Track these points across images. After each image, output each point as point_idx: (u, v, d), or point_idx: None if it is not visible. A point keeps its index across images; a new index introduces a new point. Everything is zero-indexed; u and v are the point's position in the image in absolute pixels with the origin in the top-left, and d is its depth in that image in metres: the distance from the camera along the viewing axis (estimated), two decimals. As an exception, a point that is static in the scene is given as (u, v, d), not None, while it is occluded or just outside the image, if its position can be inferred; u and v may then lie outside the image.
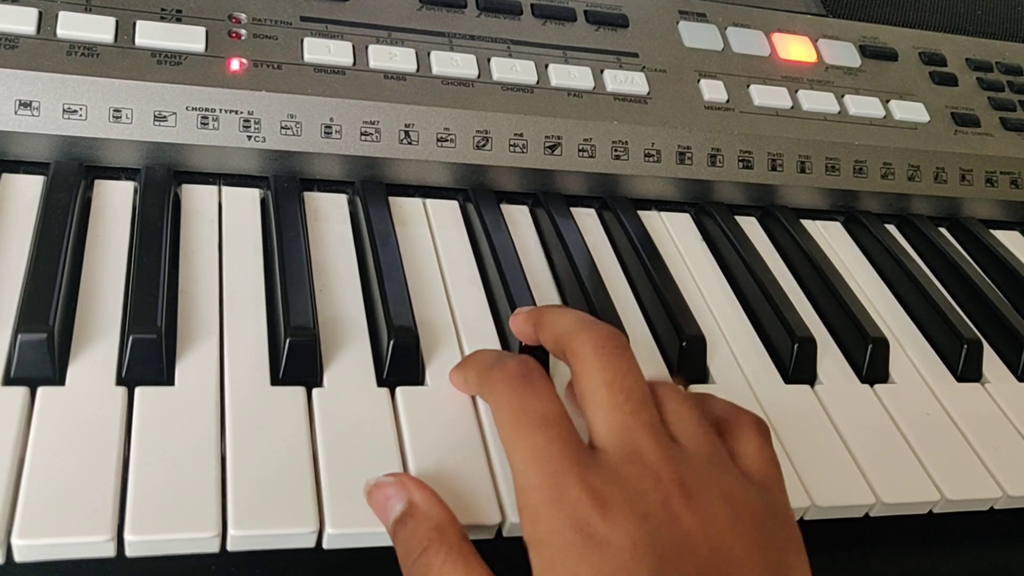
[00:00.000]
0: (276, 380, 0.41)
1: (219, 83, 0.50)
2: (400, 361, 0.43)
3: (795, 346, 0.50)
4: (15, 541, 0.33)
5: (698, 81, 0.62)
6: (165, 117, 0.49)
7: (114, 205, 0.48)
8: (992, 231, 0.68)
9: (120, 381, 0.39)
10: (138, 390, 0.39)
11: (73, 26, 0.49)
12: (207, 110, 0.50)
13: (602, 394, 0.36)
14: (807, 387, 0.50)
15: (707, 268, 0.57)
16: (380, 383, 0.43)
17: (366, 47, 0.55)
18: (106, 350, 0.40)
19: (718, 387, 0.48)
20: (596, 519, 0.33)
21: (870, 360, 0.51)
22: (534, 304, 0.47)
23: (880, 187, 0.64)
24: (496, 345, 0.46)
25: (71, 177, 0.47)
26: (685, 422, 0.37)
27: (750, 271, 0.55)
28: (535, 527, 0.34)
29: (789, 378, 0.50)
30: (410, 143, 0.53)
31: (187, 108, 0.50)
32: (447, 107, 0.54)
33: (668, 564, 0.32)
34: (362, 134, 0.52)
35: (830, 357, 0.52)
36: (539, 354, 0.43)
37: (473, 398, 0.43)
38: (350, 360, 0.43)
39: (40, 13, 0.49)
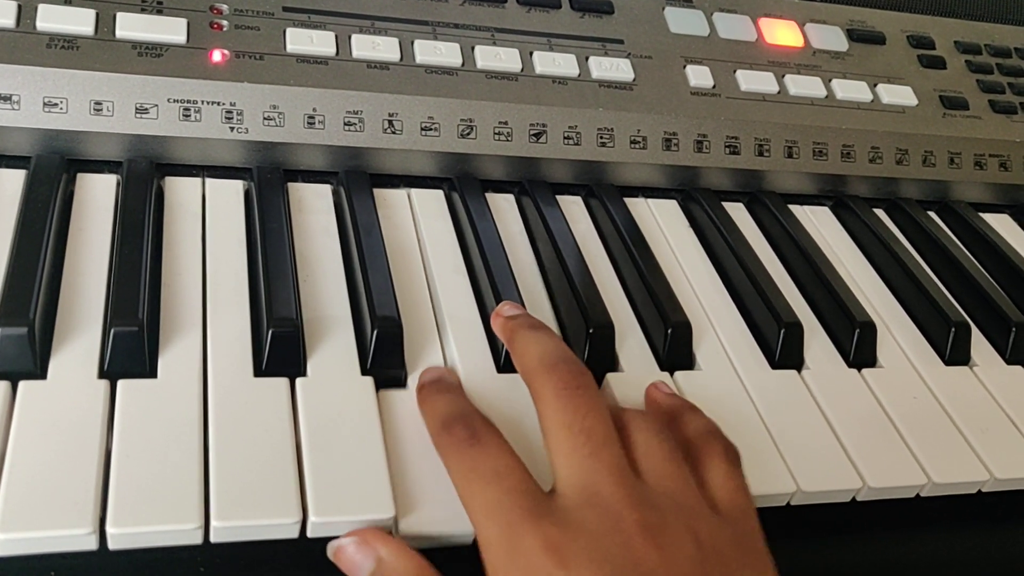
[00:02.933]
0: (259, 372, 0.41)
1: (201, 75, 0.50)
2: (384, 351, 0.43)
3: (782, 331, 0.50)
4: (-3, 535, 0.33)
5: (684, 67, 0.62)
6: (147, 109, 0.49)
7: (97, 198, 0.48)
8: (981, 214, 0.68)
9: (102, 374, 0.39)
10: (120, 383, 0.39)
11: (53, 18, 0.49)
12: (189, 102, 0.50)
13: (561, 436, 0.36)
14: (794, 372, 0.50)
15: (694, 254, 0.57)
16: (364, 373, 0.42)
17: (349, 37, 0.54)
18: (88, 343, 0.40)
19: (704, 373, 0.48)
20: (552, 567, 0.32)
21: (857, 345, 0.51)
22: (519, 294, 0.47)
23: (868, 171, 0.64)
24: (481, 337, 0.46)
25: (53, 170, 0.47)
26: (653, 456, 0.37)
27: (737, 257, 0.55)
28: None
29: (776, 363, 0.50)
30: (394, 132, 0.53)
31: (169, 100, 0.49)
32: (431, 96, 0.54)
33: None
34: (345, 124, 0.52)
35: (817, 342, 0.52)
36: None
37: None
38: (334, 351, 0.43)
39: (19, 6, 0.49)
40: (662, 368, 0.48)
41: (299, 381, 0.41)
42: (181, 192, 0.50)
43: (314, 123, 0.52)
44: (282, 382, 0.41)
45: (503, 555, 0.33)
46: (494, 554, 0.34)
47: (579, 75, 0.58)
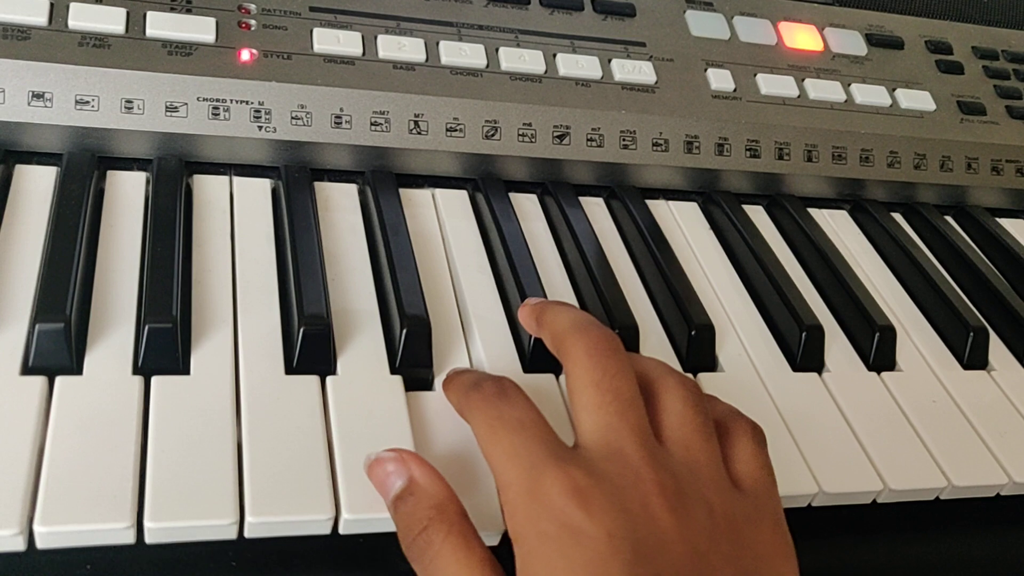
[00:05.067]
0: (290, 369, 0.42)
1: (230, 74, 0.51)
2: (413, 350, 0.43)
3: (803, 334, 0.50)
4: (37, 528, 0.33)
5: (705, 70, 0.62)
6: (176, 108, 0.50)
7: (127, 195, 0.49)
8: (998, 219, 0.68)
9: (136, 370, 0.40)
10: (154, 379, 0.39)
11: (84, 17, 0.50)
12: (218, 101, 0.50)
13: (589, 393, 0.37)
14: (815, 375, 0.50)
15: (715, 257, 0.57)
16: (393, 371, 0.43)
17: (375, 37, 0.55)
18: (122, 340, 0.41)
19: (727, 375, 0.49)
20: (572, 508, 0.33)
21: (877, 348, 0.52)
22: (543, 293, 0.48)
23: (886, 176, 0.64)
24: (506, 335, 0.47)
25: (84, 168, 0.48)
26: (680, 426, 0.37)
27: (757, 260, 0.56)
28: (514, 521, 0.34)
29: (797, 366, 0.50)
30: (419, 133, 0.54)
31: (198, 99, 0.50)
32: (456, 97, 0.54)
33: (644, 559, 0.32)
34: (372, 124, 0.53)
35: (837, 345, 0.53)
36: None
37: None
38: (363, 349, 0.44)
39: (51, 4, 0.50)
40: (685, 370, 0.48)
41: (329, 380, 0.41)
42: (209, 190, 0.51)
43: (341, 123, 0.52)
44: (313, 380, 0.41)
45: (524, 494, 0.34)
46: (514, 493, 0.34)
47: (602, 77, 0.58)
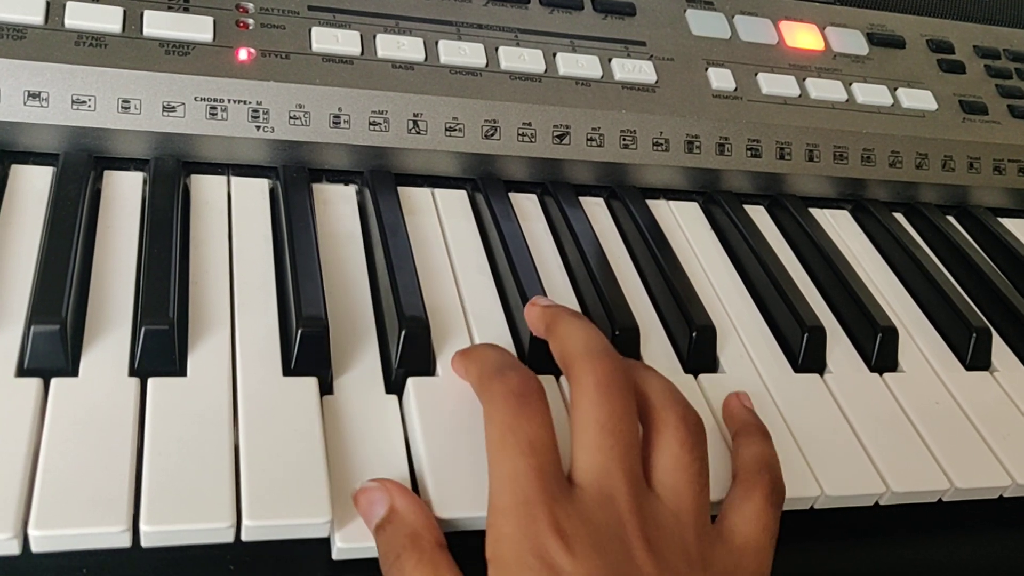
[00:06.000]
0: (288, 371, 0.41)
1: (227, 73, 0.50)
2: (411, 351, 0.43)
3: (805, 335, 0.50)
4: (32, 532, 0.33)
5: (706, 70, 0.62)
6: (174, 107, 0.49)
7: (124, 196, 0.48)
8: (1000, 219, 0.68)
9: (133, 372, 0.39)
10: (151, 381, 0.39)
11: (81, 16, 0.49)
12: (216, 100, 0.50)
13: (592, 432, 0.37)
14: (817, 376, 0.50)
15: (716, 257, 0.57)
16: (390, 373, 0.43)
17: (374, 36, 0.54)
18: (118, 341, 0.40)
19: (728, 376, 0.48)
20: (558, 550, 0.33)
21: (879, 349, 0.51)
22: (543, 294, 0.48)
23: (888, 175, 0.64)
24: (506, 336, 0.47)
25: (81, 168, 0.47)
26: (674, 470, 0.38)
27: (759, 260, 0.55)
28: (498, 547, 0.34)
29: (799, 367, 0.50)
30: (419, 133, 0.53)
31: (196, 98, 0.50)
32: (455, 96, 0.54)
33: None
34: (371, 124, 0.52)
35: (839, 346, 0.52)
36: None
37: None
38: (361, 350, 0.43)
39: (48, 3, 0.49)
40: (686, 371, 0.48)
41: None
42: (207, 190, 0.50)
43: (339, 123, 0.52)
44: (311, 381, 0.41)
45: (512, 525, 0.34)
46: (503, 522, 0.35)
47: (602, 76, 0.58)
